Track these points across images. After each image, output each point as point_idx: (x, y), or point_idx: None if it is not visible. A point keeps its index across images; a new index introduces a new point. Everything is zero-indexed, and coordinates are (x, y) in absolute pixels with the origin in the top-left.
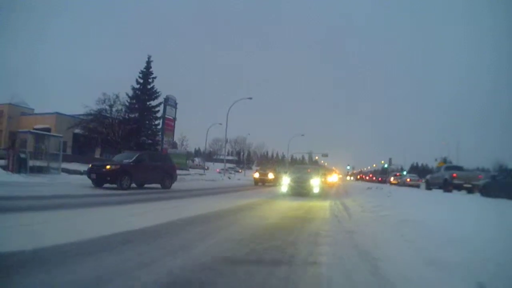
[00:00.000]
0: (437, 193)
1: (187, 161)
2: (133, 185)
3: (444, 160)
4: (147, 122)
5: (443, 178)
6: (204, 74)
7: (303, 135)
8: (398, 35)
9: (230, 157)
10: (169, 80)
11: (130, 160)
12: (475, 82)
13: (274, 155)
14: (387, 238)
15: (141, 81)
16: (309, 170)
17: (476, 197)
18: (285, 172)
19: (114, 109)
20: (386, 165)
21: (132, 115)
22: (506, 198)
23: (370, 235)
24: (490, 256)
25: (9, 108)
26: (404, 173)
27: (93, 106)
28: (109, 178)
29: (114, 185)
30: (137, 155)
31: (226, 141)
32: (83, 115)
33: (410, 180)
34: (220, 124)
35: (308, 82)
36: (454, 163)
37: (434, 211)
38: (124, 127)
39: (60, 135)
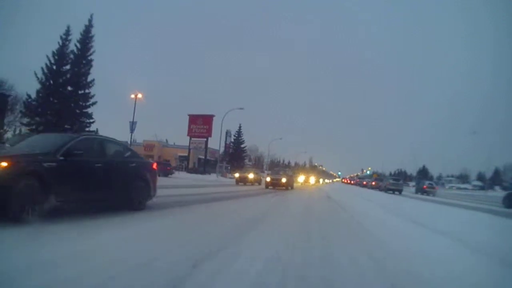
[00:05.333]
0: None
1: None
2: None
3: (378, 173)
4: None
5: (356, 180)
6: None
7: (305, 151)
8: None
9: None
10: None
11: None
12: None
13: (282, 162)
14: None
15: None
16: None
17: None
18: None
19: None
20: (368, 172)
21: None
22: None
23: None
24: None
25: (158, 143)
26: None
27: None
28: None
29: None
30: None
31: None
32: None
33: (356, 182)
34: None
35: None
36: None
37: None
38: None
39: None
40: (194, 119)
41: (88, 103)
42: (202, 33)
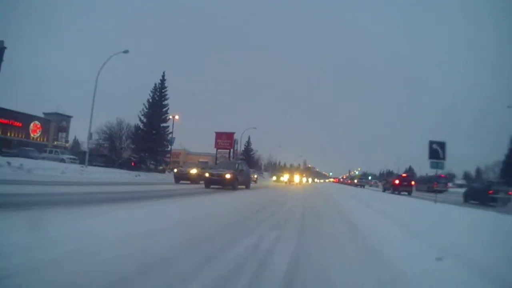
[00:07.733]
0: (340, 184)
1: None
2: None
3: (365, 174)
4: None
5: (341, 180)
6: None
7: (301, 156)
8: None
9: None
10: None
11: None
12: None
13: (278, 164)
14: None
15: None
16: None
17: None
18: None
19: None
20: (357, 172)
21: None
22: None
23: None
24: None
25: (183, 151)
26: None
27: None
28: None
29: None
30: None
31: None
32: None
33: (341, 181)
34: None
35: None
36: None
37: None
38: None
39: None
40: (219, 135)
41: (167, 132)
42: (200, 35)
